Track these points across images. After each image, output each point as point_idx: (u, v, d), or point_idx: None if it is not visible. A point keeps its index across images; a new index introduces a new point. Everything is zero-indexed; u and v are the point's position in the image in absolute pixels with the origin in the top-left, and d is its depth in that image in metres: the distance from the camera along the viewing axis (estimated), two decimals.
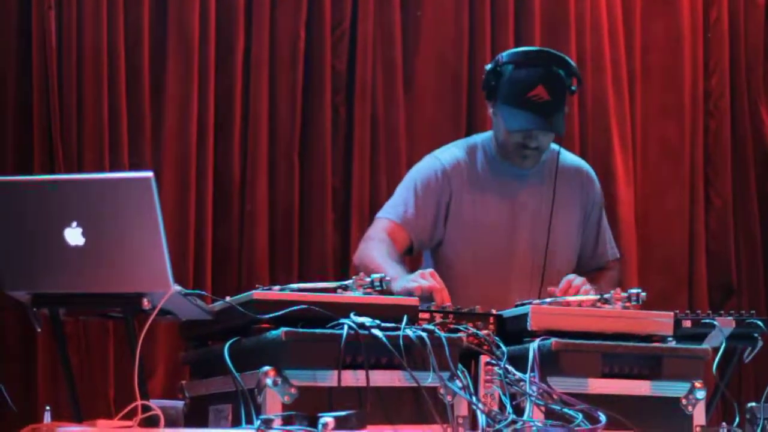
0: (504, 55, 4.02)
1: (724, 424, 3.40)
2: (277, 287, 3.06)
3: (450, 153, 4.18)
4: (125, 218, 2.95)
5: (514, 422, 2.91)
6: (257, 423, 2.73)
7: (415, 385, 2.89)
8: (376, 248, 4.01)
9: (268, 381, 2.82)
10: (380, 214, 4.17)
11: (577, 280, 3.75)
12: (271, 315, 2.93)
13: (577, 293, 3.70)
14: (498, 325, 3.28)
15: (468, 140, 4.28)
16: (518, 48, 4.13)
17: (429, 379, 2.91)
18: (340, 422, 2.71)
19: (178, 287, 2.98)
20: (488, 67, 4.05)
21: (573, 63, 4.05)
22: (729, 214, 5.89)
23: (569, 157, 4.26)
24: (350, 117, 5.35)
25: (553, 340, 3.09)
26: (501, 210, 4.08)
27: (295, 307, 2.92)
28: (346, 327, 2.86)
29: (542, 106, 3.94)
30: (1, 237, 3.01)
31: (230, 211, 5.17)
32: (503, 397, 3.02)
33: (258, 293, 2.99)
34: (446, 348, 2.93)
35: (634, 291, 3.31)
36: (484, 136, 4.20)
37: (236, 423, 2.93)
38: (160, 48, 5.09)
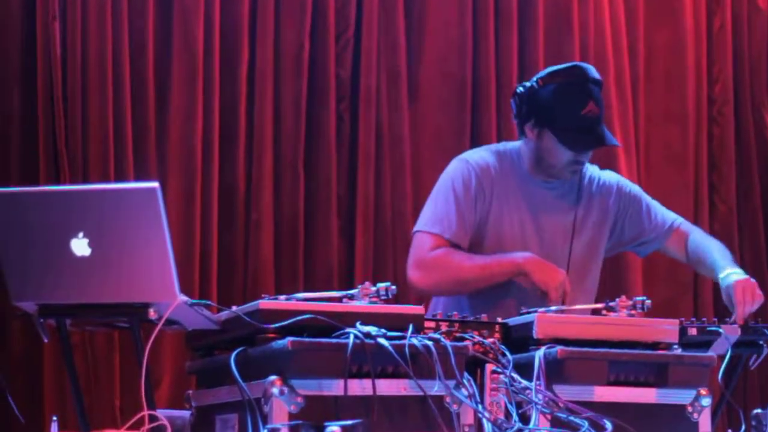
0: (541, 77, 3.93)
1: (729, 431, 3.41)
2: (283, 297, 3.05)
3: (480, 157, 4.05)
4: (131, 228, 2.95)
5: (520, 430, 2.92)
6: None
7: (421, 394, 2.89)
8: (449, 254, 3.91)
9: (275, 390, 2.82)
10: (423, 227, 3.97)
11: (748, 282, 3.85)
12: (277, 324, 2.93)
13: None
14: (503, 334, 3.27)
15: (497, 147, 4.15)
16: (552, 68, 4.01)
17: (435, 388, 2.90)
18: (346, 431, 2.72)
19: (184, 297, 2.98)
20: (521, 90, 3.95)
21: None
22: (733, 220, 5.89)
23: (595, 171, 4.16)
24: (354, 125, 5.35)
25: (559, 348, 3.09)
26: (525, 223, 3.97)
27: (301, 317, 2.93)
28: (352, 336, 2.86)
29: (598, 121, 3.91)
30: (7, 248, 3.00)
31: (235, 220, 5.17)
32: (509, 406, 3.02)
33: (264, 303, 2.99)
34: (452, 356, 2.93)
35: (639, 299, 3.30)
36: (512, 147, 4.07)
37: None
38: (164, 58, 5.10)
